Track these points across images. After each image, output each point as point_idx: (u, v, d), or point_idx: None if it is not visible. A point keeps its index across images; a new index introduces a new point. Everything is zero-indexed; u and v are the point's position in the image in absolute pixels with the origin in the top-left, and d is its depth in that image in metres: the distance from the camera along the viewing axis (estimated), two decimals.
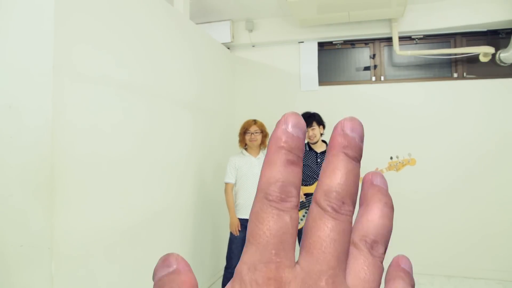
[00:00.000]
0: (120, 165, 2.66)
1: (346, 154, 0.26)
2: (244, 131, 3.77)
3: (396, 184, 4.22)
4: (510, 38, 4.27)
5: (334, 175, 0.26)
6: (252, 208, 0.26)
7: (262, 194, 0.25)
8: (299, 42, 4.86)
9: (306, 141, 3.75)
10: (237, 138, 3.91)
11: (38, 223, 2.14)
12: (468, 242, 4.32)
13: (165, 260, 0.28)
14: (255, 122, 3.80)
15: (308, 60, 4.79)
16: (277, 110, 4.72)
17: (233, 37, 4.90)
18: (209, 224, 4.14)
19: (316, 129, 3.64)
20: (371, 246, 0.27)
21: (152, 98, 3.09)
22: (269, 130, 3.90)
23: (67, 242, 2.19)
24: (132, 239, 2.78)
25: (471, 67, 4.52)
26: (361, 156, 0.27)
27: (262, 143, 3.79)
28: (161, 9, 3.30)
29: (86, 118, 2.35)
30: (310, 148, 3.73)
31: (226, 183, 3.65)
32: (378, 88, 4.61)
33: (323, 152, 3.65)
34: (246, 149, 3.79)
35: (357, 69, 4.73)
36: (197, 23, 4.28)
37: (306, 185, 3.66)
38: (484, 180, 4.29)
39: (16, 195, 2.13)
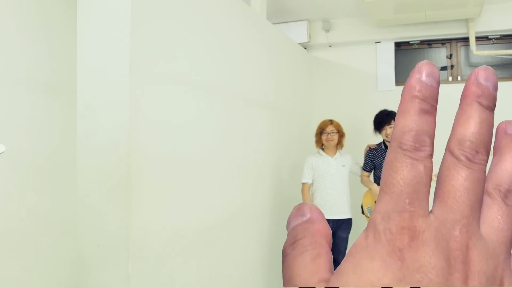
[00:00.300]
0: (196, 165, 2.63)
1: (479, 103, 0.26)
2: (320, 131, 3.85)
3: None
4: None
5: (468, 124, 0.26)
6: (386, 158, 0.26)
7: (396, 143, 0.25)
8: (376, 42, 4.92)
9: (382, 140, 3.79)
10: (313, 138, 3.95)
11: (114, 223, 2.13)
12: None
13: (299, 209, 0.28)
14: (331, 122, 3.85)
15: (385, 60, 4.86)
16: (354, 110, 4.82)
17: (309, 37, 5.01)
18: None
19: None
20: (505, 195, 0.26)
21: (228, 98, 3.07)
22: (346, 130, 3.96)
23: (143, 242, 2.19)
24: (208, 239, 2.75)
25: None
26: (495, 105, 0.27)
27: (339, 143, 3.83)
28: (237, 9, 3.28)
29: (162, 118, 2.35)
30: (386, 147, 3.71)
31: (303, 183, 3.75)
32: (455, 88, 4.56)
33: None
34: (323, 149, 3.86)
35: None
36: (273, 23, 4.33)
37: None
38: None
39: (92, 195, 2.12)
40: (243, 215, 3.24)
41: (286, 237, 0.28)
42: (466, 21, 4.48)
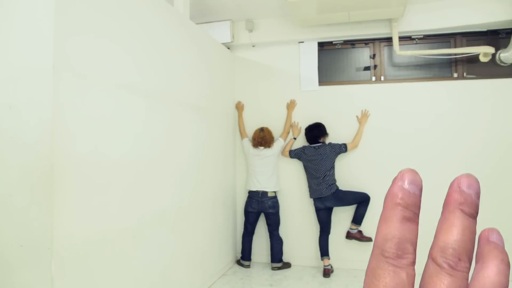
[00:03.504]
0: (119, 165, 2.65)
1: (462, 210, 0.27)
2: (253, 138, 4.57)
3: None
4: (510, 38, 4.28)
5: (450, 232, 0.26)
6: (368, 264, 0.26)
7: (378, 250, 0.26)
8: (299, 42, 4.84)
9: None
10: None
11: (38, 223, 2.14)
12: None
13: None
14: (262, 130, 4.52)
15: (308, 60, 4.78)
16: (277, 110, 4.75)
17: (233, 37, 4.89)
18: (216, 220, 4.22)
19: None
20: None
21: (151, 97, 3.07)
22: (270, 128, 4.20)
23: (67, 242, 2.19)
24: (132, 239, 2.77)
25: (471, 67, 4.52)
26: (477, 212, 0.27)
27: (267, 143, 4.49)
28: (161, 9, 3.29)
29: (85, 117, 2.36)
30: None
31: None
32: (378, 88, 4.60)
33: None
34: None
35: (357, 69, 4.72)
36: (197, 23, 4.27)
37: None
38: (485, 180, 4.28)
39: (16, 195, 2.14)
40: (166, 216, 3.27)
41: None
42: (390, 21, 4.48)
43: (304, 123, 4.62)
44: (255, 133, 4.54)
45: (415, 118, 4.49)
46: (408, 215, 0.26)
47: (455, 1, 4.32)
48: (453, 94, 4.45)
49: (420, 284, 0.26)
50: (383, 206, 0.27)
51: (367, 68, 4.69)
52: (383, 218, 0.27)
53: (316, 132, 4.43)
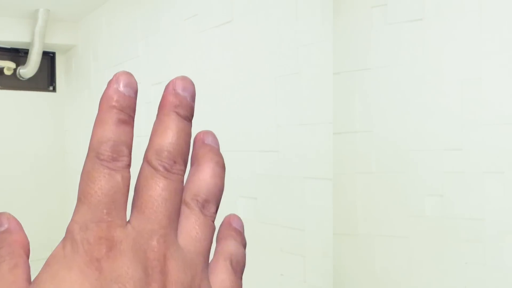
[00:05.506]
0: None
1: (177, 113, 0.26)
2: None
3: None
4: (26, 56, 4.98)
5: (165, 134, 0.26)
6: (83, 167, 0.24)
7: (93, 153, 0.24)
8: None
9: None
10: None
11: None
12: None
13: None
14: None
15: None
16: None
17: None
18: None
19: None
20: (203, 205, 0.26)
21: None
22: None
23: None
24: None
25: None
26: (192, 115, 0.27)
27: None
28: None
29: None
30: None
31: None
32: None
33: None
34: None
35: None
36: None
37: None
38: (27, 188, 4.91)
39: None
40: None
41: None
42: None
43: None
44: None
45: None
46: (124, 118, 0.25)
47: None
48: None
49: (135, 187, 0.25)
50: (98, 109, 0.25)
51: None
52: (98, 121, 0.25)
53: None
